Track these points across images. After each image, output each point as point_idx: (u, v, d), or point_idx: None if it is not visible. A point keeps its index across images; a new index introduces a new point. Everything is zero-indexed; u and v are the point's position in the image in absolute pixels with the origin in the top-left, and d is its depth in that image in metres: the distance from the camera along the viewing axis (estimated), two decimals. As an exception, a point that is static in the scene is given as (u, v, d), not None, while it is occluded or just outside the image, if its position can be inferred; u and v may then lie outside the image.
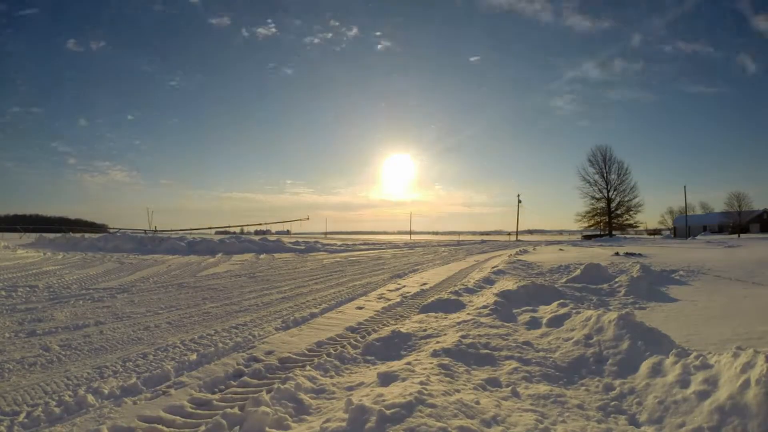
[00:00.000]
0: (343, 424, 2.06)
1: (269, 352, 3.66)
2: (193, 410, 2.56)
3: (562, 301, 5.04)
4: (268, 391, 2.64)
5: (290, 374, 3.02)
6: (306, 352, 3.75)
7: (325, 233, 75.65)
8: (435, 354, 3.21)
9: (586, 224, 53.51)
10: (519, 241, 45.08)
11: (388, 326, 4.63)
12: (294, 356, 3.60)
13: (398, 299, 6.54)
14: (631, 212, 51.15)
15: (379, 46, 61.47)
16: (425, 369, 2.86)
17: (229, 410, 2.40)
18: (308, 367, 3.19)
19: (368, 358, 3.50)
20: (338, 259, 14.63)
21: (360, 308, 5.81)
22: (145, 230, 29.61)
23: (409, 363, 3.05)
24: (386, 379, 2.77)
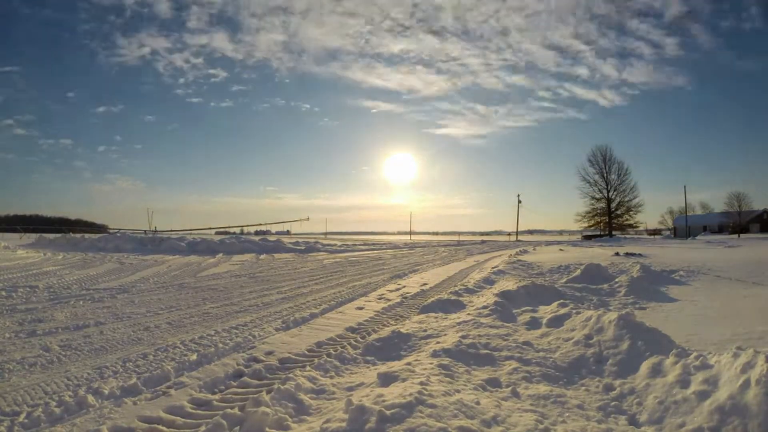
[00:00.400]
0: (343, 424, 2.06)
1: (269, 353, 3.67)
2: (193, 410, 2.56)
3: (562, 301, 5.04)
4: (268, 392, 2.64)
5: (290, 374, 3.02)
6: (306, 352, 3.75)
7: (325, 234, 75.68)
8: (435, 354, 3.21)
9: (586, 224, 53.48)
10: (519, 241, 45.08)
11: (388, 326, 4.63)
12: (294, 357, 3.60)
13: (398, 300, 6.54)
14: (631, 212, 51.13)
15: (303, 108, 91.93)
16: (425, 369, 2.86)
17: (229, 410, 2.40)
18: (308, 368, 3.19)
19: (368, 358, 3.50)
20: (338, 260, 14.64)
21: (360, 308, 5.81)
22: (145, 230, 29.62)
23: (409, 363, 3.06)
24: (386, 380, 2.77)
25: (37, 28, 60.23)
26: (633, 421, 2.36)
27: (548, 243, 33.96)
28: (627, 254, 14.09)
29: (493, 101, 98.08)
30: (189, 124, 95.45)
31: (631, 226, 52.56)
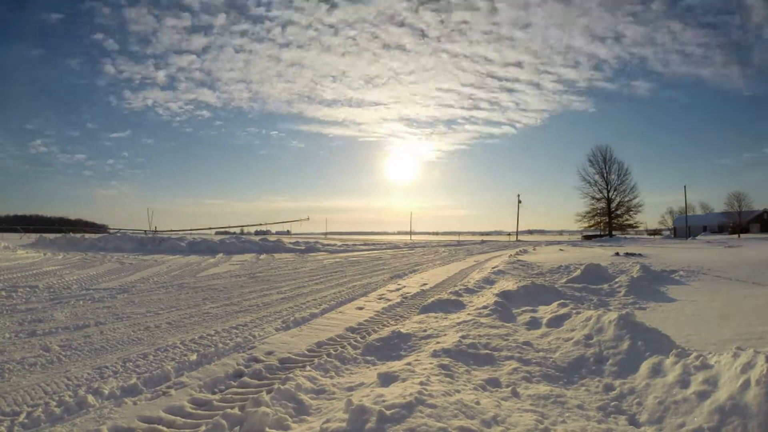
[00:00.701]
0: (344, 424, 2.06)
1: (269, 353, 3.67)
2: (194, 410, 2.56)
3: (562, 301, 5.04)
4: (269, 392, 2.64)
5: (290, 374, 3.02)
6: (306, 352, 3.75)
7: (325, 234, 75.70)
8: (435, 354, 3.21)
9: (587, 224, 53.42)
10: (519, 241, 45.07)
11: (388, 326, 4.63)
12: (294, 357, 3.60)
13: (398, 299, 6.54)
14: (631, 212, 51.05)
15: (273, 133, 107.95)
16: (425, 369, 2.86)
17: (229, 410, 2.40)
18: (308, 368, 3.19)
19: (368, 358, 3.50)
20: (338, 260, 14.64)
21: (360, 308, 5.81)
22: (145, 230, 29.58)
23: (409, 363, 3.06)
24: (386, 380, 2.77)
25: (67, 86, 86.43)
26: (633, 421, 2.36)
27: (548, 243, 33.97)
28: (627, 254, 14.09)
29: (425, 127, 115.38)
30: (184, 145, 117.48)
31: (631, 226, 52.52)
